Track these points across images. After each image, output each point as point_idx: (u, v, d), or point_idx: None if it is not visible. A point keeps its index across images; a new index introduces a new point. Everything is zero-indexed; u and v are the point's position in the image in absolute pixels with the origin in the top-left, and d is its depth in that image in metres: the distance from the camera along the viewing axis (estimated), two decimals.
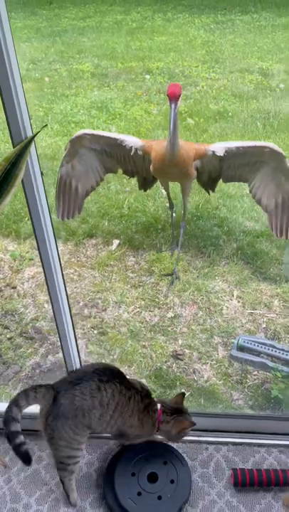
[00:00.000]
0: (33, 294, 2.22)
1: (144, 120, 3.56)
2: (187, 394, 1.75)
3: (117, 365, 1.86)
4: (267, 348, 1.87)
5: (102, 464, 1.47)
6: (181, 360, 1.89)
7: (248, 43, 4.96)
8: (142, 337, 1.99)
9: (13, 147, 0.96)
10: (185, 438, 1.45)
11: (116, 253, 2.43)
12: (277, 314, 2.07)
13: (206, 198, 2.68)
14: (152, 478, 1.38)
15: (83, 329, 2.03)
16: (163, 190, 2.73)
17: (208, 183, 2.34)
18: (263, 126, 3.39)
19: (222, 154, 2.06)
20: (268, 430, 1.53)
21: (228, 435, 1.52)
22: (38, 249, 1.24)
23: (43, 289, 2.21)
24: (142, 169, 2.27)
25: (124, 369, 1.85)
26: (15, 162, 0.93)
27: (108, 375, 1.27)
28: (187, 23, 5.56)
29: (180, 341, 1.96)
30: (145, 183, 2.39)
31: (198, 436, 1.52)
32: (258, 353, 1.87)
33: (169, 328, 2.02)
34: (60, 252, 1.29)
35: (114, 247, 2.47)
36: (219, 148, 2.07)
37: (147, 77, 4.30)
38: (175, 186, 2.48)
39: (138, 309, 2.12)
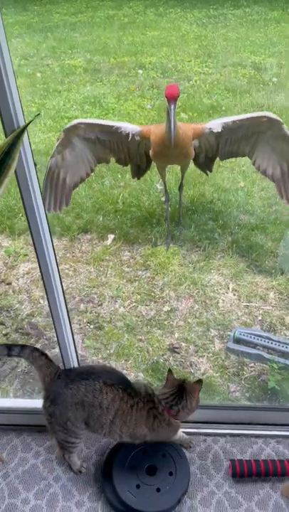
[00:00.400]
0: (29, 290, 2.21)
1: (137, 115, 3.54)
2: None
3: (113, 359, 1.87)
4: (263, 340, 1.88)
5: (100, 458, 1.47)
6: (178, 353, 1.89)
7: (241, 37, 4.95)
8: (139, 331, 1.99)
9: (6, 137, 0.95)
10: (183, 430, 1.45)
11: (111, 248, 2.42)
12: (272, 306, 2.07)
13: (200, 192, 2.68)
14: (151, 470, 1.38)
15: (79, 324, 2.03)
16: (158, 185, 2.73)
17: (206, 162, 2.35)
18: None
19: (219, 130, 2.07)
20: (265, 421, 1.54)
21: (225, 427, 1.53)
22: (34, 244, 1.23)
23: (39, 285, 2.20)
24: (136, 156, 2.26)
25: (120, 363, 1.85)
26: (8, 152, 0.93)
27: (114, 379, 1.26)
28: (179, 18, 5.54)
29: (176, 335, 1.96)
30: (139, 171, 2.39)
31: (196, 428, 1.52)
32: (255, 345, 1.88)
33: (166, 322, 2.02)
34: (55, 247, 1.28)
35: (109, 242, 2.46)
36: (216, 124, 2.09)
37: (140, 72, 4.28)
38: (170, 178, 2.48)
39: (134, 303, 2.12)
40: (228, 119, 2.10)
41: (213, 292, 2.14)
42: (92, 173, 2.28)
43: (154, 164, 2.32)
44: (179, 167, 2.42)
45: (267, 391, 1.74)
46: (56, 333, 1.41)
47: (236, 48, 4.66)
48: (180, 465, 1.39)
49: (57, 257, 1.28)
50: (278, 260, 2.29)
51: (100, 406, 1.23)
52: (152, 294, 2.16)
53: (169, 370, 1.31)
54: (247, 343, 1.88)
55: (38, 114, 3.49)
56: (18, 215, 2.59)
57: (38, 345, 1.93)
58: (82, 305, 2.12)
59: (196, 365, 1.84)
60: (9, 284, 2.24)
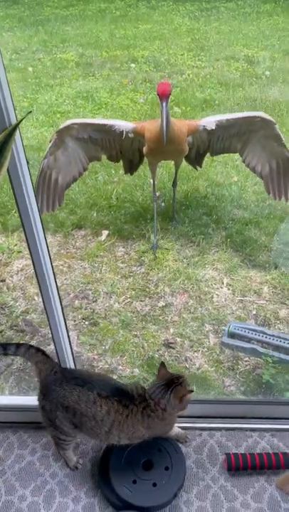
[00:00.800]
0: (23, 287, 2.20)
1: (130, 109, 3.53)
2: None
3: (109, 355, 1.87)
4: (257, 334, 1.89)
5: (96, 454, 1.47)
6: (173, 348, 1.89)
7: (233, 30, 4.93)
8: (134, 327, 1.99)
9: None
10: (179, 425, 1.46)
11: (105, 244, 2.42)
12: (266, 301, 2.08)
13: (194, 187, 2.68)
14: (147, 465, 1.39)
15: (74, 320, 2.02)
16: (151, 180, 2.72)
17: (196, 158, 2.37)
18: None
19: (213, 127, 2.09)
20: (259, 415, 1.55)
21: (221, 421, 1.54)
22: (27, 241, 1.22)
23: (33, 282, 2.19)
24: (128, 152, 2.27)
25: (116, 359, 1.85)
26: (0, 150, 0.92)
27: (108, 391, 1.24)
28: (172, 11, 5.51)
29: (171, 330, 1.97)
30: (131, 167, 2.39)
31: (192, 422, 1.53)
32: (249, 340, 1.89)
33: (160, 317, 2.02)
34: (48, 243, 1.28)
35: (103, 237, 2.46)
36: (210, 122, 2.10)
37: (132, 65, 4.25)
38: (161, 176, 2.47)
39: (129, 299, 2.12)
40: (223, 116, 2.11)
41: (208, 287, 2.15)
42: (85, 172, 2.28)
43: (146, 160, 2.31)
44: (173, 162, 2.42)
45: (261, 385, 1.75)
46: (51, 329, 1.41)
47: (229, 41, 4.65)
48: (176, 460, 1.40)
49: (51, 254, 1.28)
50: (272, 254, 2.30)
51: (94, 418, 1.21)
52: (147, 289, 2.16)
53: (162, 363, 1.29)
54: (241, 338, 1.89)
55: (30, 111, 3.46)
56: (11, 212, 2.57)
57: (32, 342, 1.93)
58: (76, 301, 2.12)
59: (191, 360, 1.85)
60: (3, 281, 2.23)
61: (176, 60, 4.32)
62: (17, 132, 0.97)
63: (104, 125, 2.11)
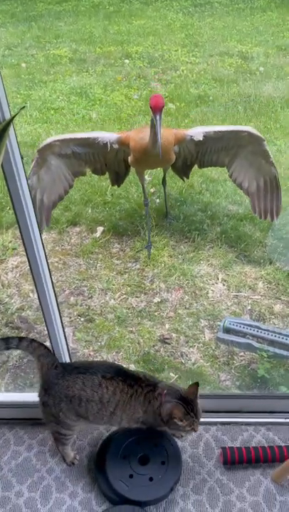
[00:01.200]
0: (18, 284, 2.19)
1: (124, 106, 3.52)
2: (175, 377, 1.77)
3: (104, 351, 1.87)
4: (252, 329, 1.90)
5: (93, 449, 1.48)
6: (169, 344, 1.90)
7: (227, 25, 4.92)
8: (129, 323, 1.99)
9: None
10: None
11: (100, 240, 2.41)
12: (261, 296, 2.09)
13: (189, 183, 2.68)
14: (143, 460, 1.40)
15: (70, 317, 2.02)
16: (146, 177, 2.72)
17: (183, 169, 2.34)
18: (243, 110, 3.38)
19: (201, 139, 2.05)
20: (255, 409, 1.56)
21: (216, 415, 1.55)
22: (22, 238, 1.22)
23: (28, 279, 2.19)
24: (114, 164, 2.22)
25: (112, 355, 1.86)
26: None
27: (112, 372, 1.27)
28: (165, 6, 5.49)
29: (167, 326, 1.98)
30: (118, 178, 2.35)
31: None
32: (244, 335, 1.90)
33: (156, 313, 2.03)
34: (43, 240, 1.27)
35: (98, 234, 2.45)
36: (197, 132, 2.07)
37: (126, 61, 4.24)
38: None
39: (124, 295, 2.12)
40: (211, 128, 2.08)
41: (203, 283, 2.16)
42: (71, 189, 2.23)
43: (132, 169, 2.29)
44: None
45: (257, 379, 1.76)
46: (46, 326, 1.41)
47: (223, 37, 4.64)
48: (172, 454, 1.41)
49: (46, 251, 1.28)
50: (267, 250, 2.31)
51: (101, 400, 1.23)
52: (142, 285, 2.16)
53: (197, 384, 1.26)
54: (237, 333, 1.90)
55: (24, 106, 3.44)
56: (6, 209, 2.56)
57: None
58: (72, 298, 2.12)
59: (186, 356, 1.85)
60: None
61: (170, 55, 4.31)
62: (11, 128, 0.96)
63: (88, 138, 2.06)
